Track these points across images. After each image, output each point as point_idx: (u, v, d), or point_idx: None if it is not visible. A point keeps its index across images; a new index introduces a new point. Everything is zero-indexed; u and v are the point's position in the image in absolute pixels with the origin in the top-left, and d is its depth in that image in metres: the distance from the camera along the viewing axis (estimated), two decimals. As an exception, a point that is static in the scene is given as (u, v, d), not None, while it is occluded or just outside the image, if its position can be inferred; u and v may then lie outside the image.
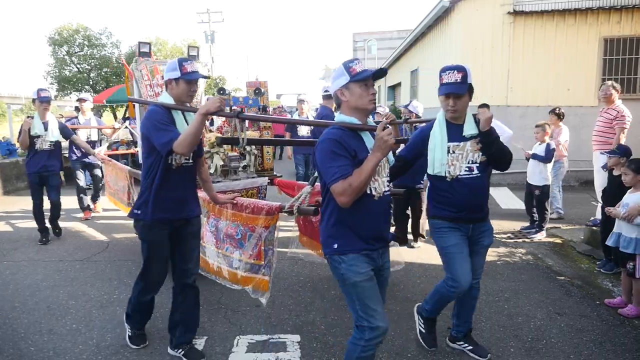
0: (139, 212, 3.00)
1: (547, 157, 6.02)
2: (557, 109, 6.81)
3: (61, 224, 6.37)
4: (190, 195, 3.12)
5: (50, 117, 5.89)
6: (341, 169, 2.19)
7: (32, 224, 6.13)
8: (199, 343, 3.37)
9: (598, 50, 10.00)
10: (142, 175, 3.03)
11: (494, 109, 4.66)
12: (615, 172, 4.64)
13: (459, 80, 2.79)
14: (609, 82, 5.97)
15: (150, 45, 5.39)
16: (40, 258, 5.41)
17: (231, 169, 4.71)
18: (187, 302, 3.20)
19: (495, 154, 2.88)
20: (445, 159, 2.89)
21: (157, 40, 29.51)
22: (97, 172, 7.56)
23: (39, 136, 5.76)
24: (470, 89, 2.85)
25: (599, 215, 5.37)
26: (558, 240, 5.96)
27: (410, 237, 5.80)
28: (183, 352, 3.17)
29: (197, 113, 2.67)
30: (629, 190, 3.97)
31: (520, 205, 7.68)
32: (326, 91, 6.79)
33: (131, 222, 6.81)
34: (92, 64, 24.40)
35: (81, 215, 7.41)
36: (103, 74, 24.48)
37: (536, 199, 6.17)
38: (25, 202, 8.50)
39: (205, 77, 3.09)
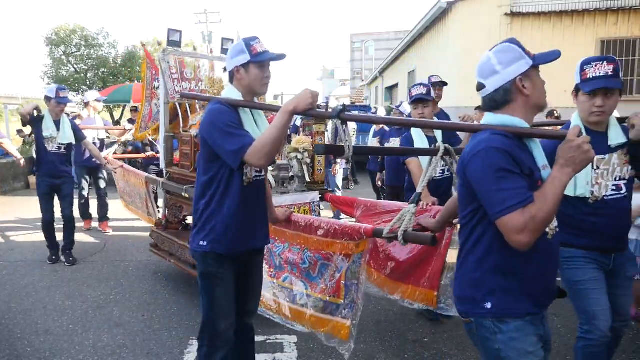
0: (205, 243, 2.27)
1: None
2: (555, 112, 6.80)
3: (57, 224, 6.32)
4: (262, 219, 2.46)
5: (63, 117, 5.27)
6: (519, 193, 1.50)
7: (29, 224, 6.11)
8: (196, 344, 3.36)
9: (595, 52, 10.03)
10: (198, 194, 2.33)
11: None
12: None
13: (610, 73, 2.27)
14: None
15: (181, 33, 4.46)
16: (36, 259, 5.39)
17: (280, 180, 3.90)
18: (246, 346, 2.60)
19: None
20: (590, 176, 2.34)
21: (154, 40, 29.49)
22: (102, 182, 6.74)
23: (49, 137, 5.12)
24: (621, 87, 2.37)
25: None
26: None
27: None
28: None
29: (282, 111, 2.02)
30: None
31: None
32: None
33: (130, 223, 6.76)
34: (89, 64, 24.38)
35: (81, 224, 6.78)
36: (100, 74, 24.45)
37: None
38: (22, 203, 8.49)
39: (281, 57, 2.31)
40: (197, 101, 4.62)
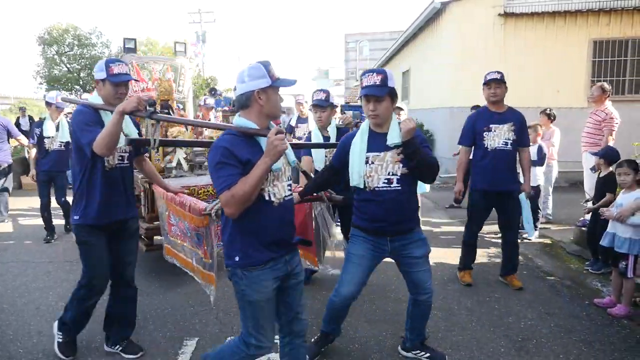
0: (77, 217, 2.95)
1: (539, 160, 6.06)
2: (548, 110, 6.80)
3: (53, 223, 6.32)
4: (126, 196, 3.09)
5: (61, 118, 6.15)
6: (227, 179, 2.08)
7: (23, 223, 6.08)
8: (190, 344, 3.36)
9: (587, 52, 10.11)
10: (72, 179, 3.02)
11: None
12: (602, 173, 4.68)
13: (378, 83, 2.70)
14: (599, 84, 6.01)
15: (136, 40, 5.49)
16: (29, 259, 5.36)
17: (196, 164, 4.74)
18: (125, 301, 3.25)
19: (417, 165, 2.74)
20: (363, 170, 2.82)
21: (147, 40, 29.40)
22: None
23: (49, 137, 6.03)
24: (391, 94, 2.75)
25: (588, 216, 5.42)
26: (548, 241, 6.01)
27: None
28: (121, 348, 3.24)
29: (114, 112, 2.62)
30: (622, 191, 3.99)
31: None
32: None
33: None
34: (82, 63, 24.25)
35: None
36: (93, 74, 24.33)
37: (529, 199, 6.19)
38: (17, 203, 8.42)
39: (133, 79, 3.03)
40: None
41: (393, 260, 5.05)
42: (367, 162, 2.82)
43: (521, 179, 4.51)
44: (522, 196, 4.36)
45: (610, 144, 5.56)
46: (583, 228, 5.76)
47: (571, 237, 5.93)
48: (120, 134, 2.73)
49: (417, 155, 2.69)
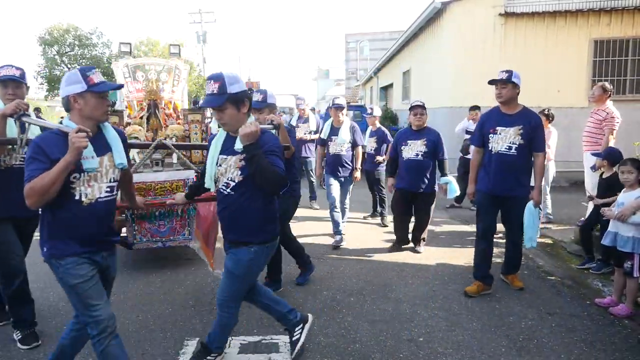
0: None
1: None
2: (547, 110, 6.76)
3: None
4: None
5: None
6: (31, 172, 2.22)
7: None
8: (191, 344, 3.36)
9: (588, 52, 10.10)
10: None
11: (485, 110, 4.68)
12: (604, 175, 4.68)
13: (215, 92, 2.63)
14: (600, 83, 6.00)
15: (131, 45, 5.80)
16: (30, 260, 5.34)
17: (153, 161, 4.84)
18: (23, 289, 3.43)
19: (254, 173, 2.62)
20: (214, 172, 2.81)
21: (148, 40, 29.39)
22: None
23: None
24: (232, 100, 2.62)
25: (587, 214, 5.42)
26: (549, 241, 6.00)
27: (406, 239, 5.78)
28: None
29: None
30: (623, 190, 3.98)
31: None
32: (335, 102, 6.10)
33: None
34: (83, 63, 24.27)
35: None
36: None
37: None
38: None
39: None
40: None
41: (391, 261, 5.05)
42: (217, 164, 2.80)
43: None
44: (530, 205, 4.17)
45: (611, 143, 5.55)
46: (584, 228, 5.75)
47: (572, 236, 5.92)
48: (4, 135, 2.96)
49: (254, 162, 2.59)
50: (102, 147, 2.45)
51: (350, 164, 5.92)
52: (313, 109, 11.25)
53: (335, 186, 5.90)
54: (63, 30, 23.93)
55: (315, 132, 7.84)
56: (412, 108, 5.37)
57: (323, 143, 6.08)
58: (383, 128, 7.25)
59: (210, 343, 3.03)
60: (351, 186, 6.14)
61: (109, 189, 2.46)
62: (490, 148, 4.21)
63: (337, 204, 5.83)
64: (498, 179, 4.16)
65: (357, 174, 6.02)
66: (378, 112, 7.46)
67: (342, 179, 5.94)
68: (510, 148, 4.10)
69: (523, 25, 10.14)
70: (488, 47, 10.17)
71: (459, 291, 4.33)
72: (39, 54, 23.99)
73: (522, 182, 4.19)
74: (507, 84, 4.09)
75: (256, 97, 4.00)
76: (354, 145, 5.91)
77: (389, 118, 16.47)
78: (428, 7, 11.12)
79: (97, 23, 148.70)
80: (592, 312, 3.89)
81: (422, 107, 5.35)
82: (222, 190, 2.79)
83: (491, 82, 4.22)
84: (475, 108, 7.78)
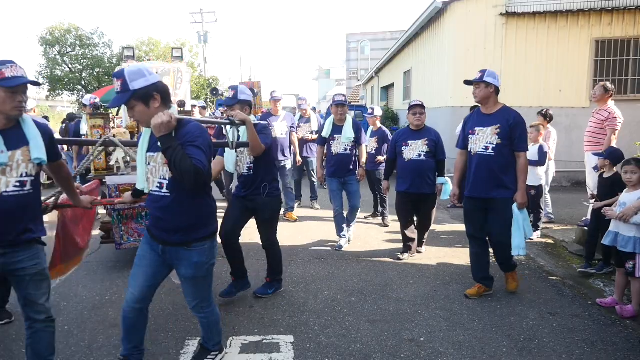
0: None
1: (540, 160, 6.06)
2: (544, 110, 6.74)
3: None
4: None
5: None
6: None
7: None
8: (192, 344, 3.36)
9: (589, 52, 10.08)
10: None
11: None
12: (606, 175, 4.66)
13: (118, 89, 2.48)
14: (602, 83, 5.99)
15: (134, 49, 6.11)
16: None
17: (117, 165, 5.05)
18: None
19: (169, 165, 2.43)
20: (144, 171, 2.64)
21: (149, 40, 29.41)
22: None
23: (84, 135, 6.74)
24: (137, 96, 2.45)
25: (590, 216, 5.41)
26: (550, 241, 6.00)
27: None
28: None
29: None
30: (625, 190, 3.97)
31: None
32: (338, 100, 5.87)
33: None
34: (84, 64, 24.34)
35: None
36: (95, 74, 24.38)
37: (531, 199, 6.20)
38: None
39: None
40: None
41: (393, 260, 5.06)
42: (147, 163, 2.63)
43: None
44: (514, 208, 4.02)
45: (613, 143, 5.54)
46: (585, 228, 5.74)
47: (573, 236, 5.92)
48: None
49: (169, 154, 2.40)
50: (16, 141, 2.42)
51: (355, 164, 5.71)
52: (314, 109, 11.25)
53: (338, 192, 5.74)
54: (64, 30, 23.95)
55: (317, 132, 7.84)
56: (411, 108, 5.25)
57: (323, 142, 5.82)
58: (384, 128, 7.25)
59: (206, 343, 3.03)
60: (358, 186, 5.79)
61: (18, 184, 2.41)
62: (470, 149, 4.16)
63: (342, 210, 5.74)
64: (477, 181, 4.09)
65: (362, 172, 5.82)
66: (379, 112, 7.46)
67: (347, 181, 5.68)
68: (486, 148, 4.01)
69: (524, 25, 10.13)
70: (489, 47, 10.16)
71: (460, 291, 4.33)
72: (40, 54, 24.03)
73: (502, 184, 4.02)
74: (480, 83, 4.01)
75: (227, 93, 3.92)
76: (358, 143, 5.71)
77: (390, 118, 16.47)
78: (429, 7, 11.11)
79: (99, 23, 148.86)
80: (594, 313, 3.88)
81: (421, 106, 5.24)
82: (155, 192, 2.61)
83: (466, 83, 4.18)
84: (476, 108, 7.76)
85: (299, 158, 7.70)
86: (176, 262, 2.71)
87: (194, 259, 2.66)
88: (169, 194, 2.57)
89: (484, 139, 4.03)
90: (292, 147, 7.48)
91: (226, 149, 3.91)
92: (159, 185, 2.59)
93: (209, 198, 2.76)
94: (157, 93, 2.49)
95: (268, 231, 4.16)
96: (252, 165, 3.93)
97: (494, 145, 3.98)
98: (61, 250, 3.61)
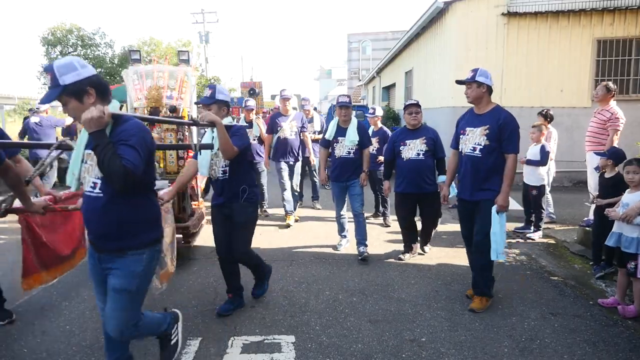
0: None
1: (542, 160, 6.06)
2: (545, 111, 6.71)
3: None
4: None
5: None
6: None
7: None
8: (194, 344, 3.36)
9: (591, 52, 10.07)
10: None
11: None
12: (607, 175, 4.65)
13: (49, 85, 2.32)
14: (603, 83, 5.97)
15: (140, 52, 5.92)
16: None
17: None
18: None
19: (97, 164, 2.21)
20: (78, 169, 2.42)
21: (151, 40, 29.42)
22: None
23: None
24: (68, 91, 2.25)
25: (592, 216, 5.40)
26: (551, 241, 6.00)
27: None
28: None
29: None
30: (627, 190, 3.96)
31: (514, 206, 7.70)
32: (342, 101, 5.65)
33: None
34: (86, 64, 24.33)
35: None
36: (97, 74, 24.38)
37: (533, 199, 6.20)
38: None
39: None
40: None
41: (394, 260, 5.06)
42: (84, 161, 2.41)
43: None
44: (493, 210, 3.83)
45: (615, 144, 5.53)
46: (587, 228, 5.73)
47: (575, 237, 5.92)
48: None
49: (97, 152, 2.19)
50: None
51: (359, 167, 5.46)
52: (315, 109, 11.27)
53: (341, 197, 5.61)
54: (66, 30, 23.99)
55: (320, 133, 7.83)
56: (406, 107, 5.19)
57: (327, 145, 5.62)
58: (385, 128, 7.25)
59: (157, 336, 2.90)
60: (362, 189, 5.46)
61: None
62: (460, 150, 4.11)
63: (345, 213, 5.71)
64: (464, 182, 4.05)
65: (365, 177, 5.45)
66: (380, 112, 7.46)
67: (349, 184, 5.46)
68: (474, 149, 3.92)
69: (526, 25, 10.12)
70: (491, 46, 10.15)
71: (462, 291, 4.32)
72: (42, 54, 24.06)
73: (487, 186, 3.91)
74: (471, 83, 3.92)
75: (205, 92, 3.78)
76: (363, 146, 5.43)
77: (392, 118, 16.46)
78: (430, 6, 11.10)
79: (100, 23, 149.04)
80: (596, 313, 3.88)
81: (417, 105, 5.16)
82: (89, 193, 2.37)
83: (458, 82, 4.12)
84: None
85: (312, 158, 7.62)
86: (107, 271, 2.44)
87: (128, 267, 2.40)
88: (102, 195, 2.33)
89: (473, 140, 3.94)
90: (306, 148, 7.44)
91: (201, 151, 3.62)
92: (92, 185, 2.35)
93: (150, 201, 2.53)
94: (91, 87, 2.29)
95: (240, 239, 3.83)
96: (227, 168, 3.73)
97: (481, 147, 3.89)
98: (32, 257, 3.46)
